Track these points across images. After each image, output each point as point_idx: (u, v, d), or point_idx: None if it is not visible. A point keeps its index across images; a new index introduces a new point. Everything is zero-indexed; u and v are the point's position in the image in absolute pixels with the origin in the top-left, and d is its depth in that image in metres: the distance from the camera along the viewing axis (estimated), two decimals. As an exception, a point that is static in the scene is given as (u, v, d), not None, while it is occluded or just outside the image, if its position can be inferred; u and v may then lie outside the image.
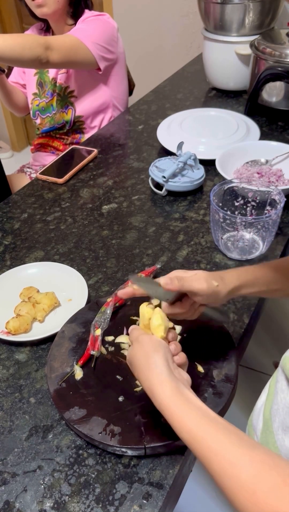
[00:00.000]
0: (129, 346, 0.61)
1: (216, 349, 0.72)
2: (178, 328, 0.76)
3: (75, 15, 1.46)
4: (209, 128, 1.32)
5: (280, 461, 0.42)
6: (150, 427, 0.62)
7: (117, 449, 0.62)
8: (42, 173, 1.26)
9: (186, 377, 0.57)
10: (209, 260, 0.94)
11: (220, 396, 0.65)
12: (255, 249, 0.94)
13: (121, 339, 0.76)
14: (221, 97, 1.61)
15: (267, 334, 1.74)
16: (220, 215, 0.87)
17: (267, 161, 1.14)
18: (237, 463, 0.42)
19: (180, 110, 1.48)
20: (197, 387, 0.67)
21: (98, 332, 0.75)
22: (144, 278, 0.65)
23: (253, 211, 0.98)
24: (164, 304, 0.65)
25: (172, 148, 1.24)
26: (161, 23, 2.35)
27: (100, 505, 0.58)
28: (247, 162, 1.14)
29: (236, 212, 0.98)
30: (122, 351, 0.74)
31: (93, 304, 0.82)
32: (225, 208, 0.95)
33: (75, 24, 1.46)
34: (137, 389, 0.68)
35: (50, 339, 0.79)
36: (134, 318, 0.79)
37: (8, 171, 1.53)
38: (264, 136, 1.32)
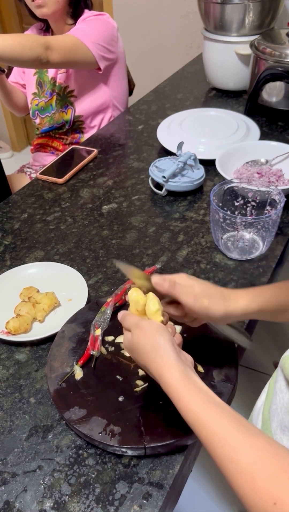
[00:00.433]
0: (125, 332, 0.60)
1: (216, 349, 0.72)
2: (178, 328, 0.76)
3: (75, 15, 1.46)
4: (209, 128, 1.32)
5: (281, 449, 0.43)
6: (150, 427, 0.62)
7: (117, 449, 0.62)
8: (42, 173, 1.26)
9: (190, 358, 0.56)
10: (209, 260, 0.94)
11: (220, 396, 0.65)
12: (255, 249, 0.94)
13: (121, 339, 0.76)
14: (221, 97, 1.61)
15: (267, 334, 1.74)
16: (220, 215, 0.87)
17: (267, 161, 1.14)
18: (239, 448, 0.43)
19: (180, 110, 1.48)
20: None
21: (98, 332, 0.75)
22: (135, 269, 0.63)
23: (253, 211, 0.98)
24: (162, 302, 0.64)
25: (172, 148, 1.24)
26: (160, 23, 2.35)
27: (100, 505, 0.58)
28: (247, 162, 1.14)
29: (236, 212, 0.98)
30: (122, 351, 0.74)
31: (93, 304, 0.82)
32: (225, 208, 0.95)
33: (75, 24, 1.46)
34: (137, 389, 0.68)
35: (50, 339, 0.79)
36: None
37: (8, 171, 1.53)
38: (264, 136, 1.32)
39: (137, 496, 0.59)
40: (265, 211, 0.95)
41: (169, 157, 1.19)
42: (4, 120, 3.12)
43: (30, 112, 1.64)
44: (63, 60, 1.32)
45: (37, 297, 0.85)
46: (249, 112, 1.44)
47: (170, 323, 0.60)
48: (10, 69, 1.69)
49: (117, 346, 0.75)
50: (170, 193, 1.14)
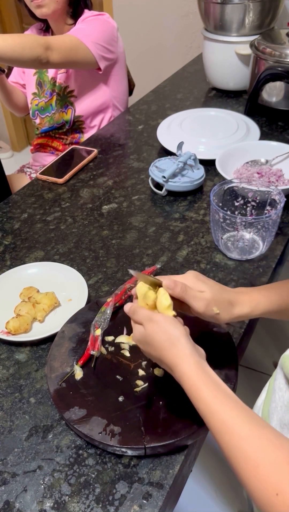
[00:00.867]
0: (134, 325, 0.60)
1: (216, 349, 0.72)
2: None
3: (75, 15, 1.46)
4: (209, 128, 1.32)
5: (286, 442, 0.44)
6: (150, 427, 0.62)
7: (117, 449, 0.62)
8: (42, 173, 1.26)
9: (202, 352, 0.57)
10: (209, 260, 0.94)
11: (220, 396, 0.65)
12: (255, 249, 0.94)
13: (121, 339, 0.76)
14: (221, 97, 1.61)
15: (267, 334, 1.74)
16: (220, 215, 0.87)
17: (267, 161, 1.14)
18: (246, 437, 0.45)
19: (180, 110, 1.48)
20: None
21: (98, 332, 0.75)
22: (147, 276, 0.63)
23: (253, 211, 0.98)
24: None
25: (172, 148, 1.24)
26: (160, 23, 2.35)
27: (100, 505, 0.58)
28: (247, 162, 1.14)
29: (236, 212, 0.98)
30: (122, 351, 0.74)
31: (93, 304, 0.82)
32: (225, 208, 0.95)
33: (74, 23, 1.46)
34: (137, 389, 0.68)
35: (50, 339, 0.79)
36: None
37: (8, 171, 1.53)
38: (264, 136, 1.32)
39: (137, 496, 0.59)
40: (265, 211, 0.95)
41: (169, 157, 1.19)
42: (4, 120, 3.12)
43: (30, 112, 1.64)
44: (63, 60, 1.32)
45: (37, 297, 0.85)
46: (249, 112, 1.44)
47: (178, 318, 0.60)
48: (10, 69, 1.69)
49: (117, 346, 0.75)
50: (170, 193, 1.14)
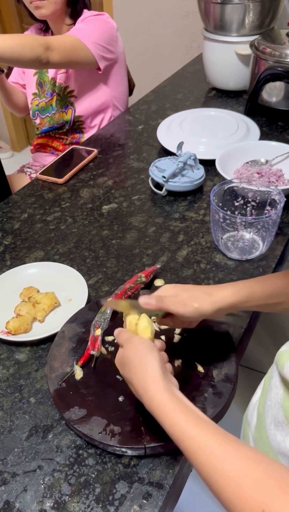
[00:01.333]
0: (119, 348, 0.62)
1: (216, 349, 0.72)
2: (177, 329, 0.76)
3: (74, 15, 1.46)
4: (209, 128, 1.32)
5: (265, 457, 0.44)
6: (150, 427, 0.62)
7: (117, 449, 0.62)
8: (42, 173, 1.26)
9: (175, 382, 0.57)
10: (209, 260, 0.94)
11: (220, 396, 0.65)
12: (255, 249, 0.94)
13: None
14: (221, 97, 1.61)
15: (267, 334, 1.74)
16: (220, 215, 0.87)
17: (267, 161, 1.14)
18: (224, 458, 0.44)
19: (180, 110, 1.48)
20: (197, 387, 0.67)
21: (98, 332, 0.75)
22: (123, 301, 0.66)
23: (253, 211, 0.98)
24: (156, 319, 0.66)
25: (172, 148, 1.24)
26: (161, 23, 2.35)
27: (100, 505, 0.58)
28: (247, 162, 1.14)
29: (236, 212, 0.98)
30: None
31: (93, 304, 0.82)
32: (225, 208, 0.95)
33: (74, 24, 1.46)
34: (137, 389, 0.68)
35: (50, 339, 0.79)
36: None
37: (8, 171, 1.53)
38: (264, 136, 1.32)
39: (137, 496, 0.59)
40: (265, 211, 0.95)
41: (169, 157, 1.19)
42: (4, 120, 3.12)
43: (30, 112, 1.64)
44: (63, 60, 1.32)
45: (37, 297, 0.85)
46: (249, 112, 1.44)
47: (159, 340, 0.61)
48: (10, 69, 1.69)
49: (117, 346, 0.74)
50: (170, 193, 1.14)
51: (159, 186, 1.15)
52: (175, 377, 0.57)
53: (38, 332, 0.81)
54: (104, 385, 0.69)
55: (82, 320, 0.79)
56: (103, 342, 0.75)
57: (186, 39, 2.34)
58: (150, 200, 1.14)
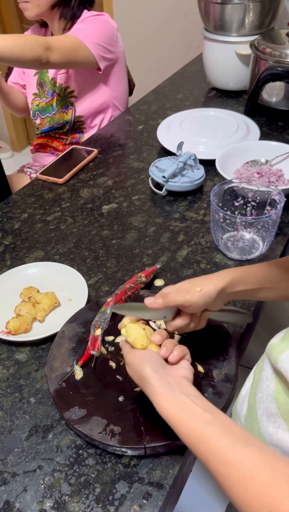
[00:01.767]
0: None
1: (216, 349, 0.72)
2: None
3: (68, 17, 1.46)
4: (209, 128, 1.32)
5: (271, 457, 0.45)
6: (150, 427, 0.62)
7: (117, 449, 0.62)
8: (42, 173, 1.26)
9: (183, 373, 0.57)
10: (209, 260, 0.94)
11: (220, 396, 0.65)
12: (255, 249, 0.94)
13: (122, 339, 0.75)
14: (221, 97, 1.61)
15: (267, 334, 1.74)
16: (220, 215, 0.87)
17: (267, 161, 1.14)
18: (230, 463, 0.45)
19: (180, 110, 1.48)
20: (197, 387, 0.66)
21: (98, 332, 0.75)
22: (128, 305, 0.66)
23: (253, 211, 0.98)
24: (166, 322, 0.66)
25: (172, 148, 1.24)
26: (160, 23, 2.35)
27: (100, 505, 0.58)
28: (247, 162, 1.14)
29: (236, 212, 0.98)
30: (122, 351, 0.74)
31: (93, 304, 0.82)
32: (225, 208, 0.95)
33: (72, 25, 1.46)
34: (137, 389, 0.68)
35: (50, 339, 0.79)
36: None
37: (8, 171, 1.53)
38: (264, 136, 1.32)
39: (137, 496, 0.59)
40: (265, 211, 0.95)
41: (169, 157, 1.19)
42: (4, 120, 3.12)
43: (31, 112, 1.64)
44: (63, 61, 1.32)
45: (37, 297, 0.85)
46: (249, 112, 1.44)
47: (167, 341, 0.60)
48: (10, 70, 1.69)
49: (117, 346, 0.75)
50: (170, 193, 1.14)
51: (159, 186, 1.15)
52: None
53: (38, 332, 0.81)
54: (104, 385, 0.69)
55: (82, 320, 0.79)
56: (103, 342, 0.75)
57: (186, 39, 2.34)
58: (150, 200, 1.14)
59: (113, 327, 0.77)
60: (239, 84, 1.57)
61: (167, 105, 1.57)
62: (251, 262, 0.93)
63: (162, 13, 2.31)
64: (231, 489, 0.44)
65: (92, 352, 0.72)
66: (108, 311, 0.78)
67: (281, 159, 1.15)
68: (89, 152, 1.33)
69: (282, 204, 0.87)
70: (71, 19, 1.46)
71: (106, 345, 0.75)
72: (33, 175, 1.69)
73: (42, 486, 0.61)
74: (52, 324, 0.83)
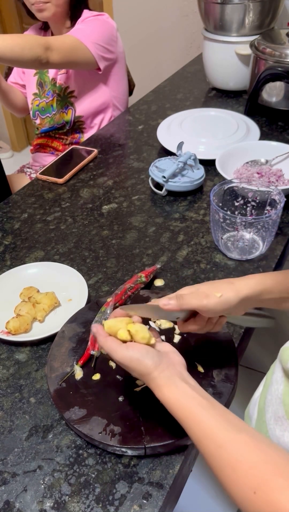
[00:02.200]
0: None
1: (216, 349, 0.72)
2: (177, 329, 0.76)
3: (74, 17, 1.46)
4: (209, 128, 1.32)
5: (263, 443, 0.46)
6: (150, 427, 0.62)
7: (117, 449, 0.62)
8: (42, 173, 1.26)
9: (179, 360, 0.57)
10: (209, 260, 0.94)
11: (220, 396, 0.65)
12: (255, 249, 0.94)
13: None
14: (221, 97, 1.61)
15: (267, 334, 1.74)
16: (220, 215, 0.88)
17: (267, 161, 1.14)
18: (222, 445, 0.47)
19: (180, 110, 1.48)
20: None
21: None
22: (142, 305, 0.63)
23: (253, 211, 0.98)
24: (178, 322, 0.64)
25: (172, 148, 1.24)
26: (161, 23, 2.35)
27: (100, 505, 0.58)
28: (247, 162, 1.14)
29: (236, 212, 0.98)
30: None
31: (93, 304, 0.82)
32: (225, 208, 0.95)
33: (73, 25, 1.47)
34: (137, 389, 0.68)
35: (50, 339, 0.79)
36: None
37: (8, 171, 1.53)
38: (264, 136, 1.32)
39: (137, 496, 0.59)
40: (265, 211, 0.95)
41: (169, 157, 1.19)
42: (4, 120, 3.12)
43: (31, 112, 1.64)
44: (63, 61, 1.32)
45: (37, 297, 0.85)
46: (249, 112, 1.44)
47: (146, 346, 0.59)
48: (10, 70, 1.69)
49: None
50: (170, 193, 1.14)
51: (159, 186, 1.15)
52: None
53: (38, 332, 0.81)
54: (104, 385, 0.69)
55: (82, 320, 0.79)
56: (103, 342, 0.75)
57: (186, 39, 2.34)
58: (150, 200, 1.14)
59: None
60: (239, 84, 1.57)
61: (167, 105, 1.57)
62: (251, 262, 0.93)
63: (161, 13, 2.31)
64: (221, 470, 0.46)
65: (92, 352, 0.72)
66: (108, 311, 0.78)
67: (281, 159, 1.15)
68: (89, 152, 1.33)
69: (282, 204, 0.87)
70: (76, 19, 1.46)
71: (106, 345, 0.75)
72: (33, 175, 1.69)
73: (42, 486, 0.61)
74: (52, 324, 0.83)
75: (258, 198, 0.96)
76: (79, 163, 1.28)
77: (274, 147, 1.16)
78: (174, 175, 1.12)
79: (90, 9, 1.49)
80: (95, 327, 0.60)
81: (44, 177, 1.24)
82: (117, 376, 0.70)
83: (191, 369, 0.69)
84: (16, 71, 1.65)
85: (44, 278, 0.91)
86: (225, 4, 1.43)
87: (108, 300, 0.80)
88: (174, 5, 2.26)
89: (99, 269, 0.94)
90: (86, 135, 1.58)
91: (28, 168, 1.74)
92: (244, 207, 0.98)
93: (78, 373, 0.70)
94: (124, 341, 0.58)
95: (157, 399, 0.65)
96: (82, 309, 0.81)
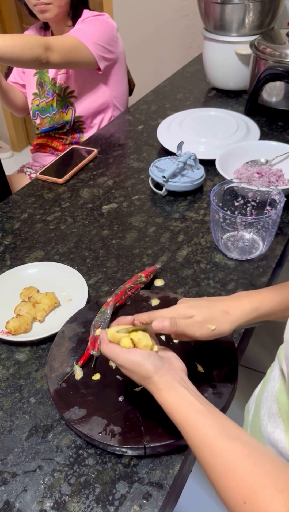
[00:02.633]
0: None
1: (216, 349, 0.72)
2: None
3: (75, 17, 1.46)
4: (209, 128, 1.32)
5: (255, 451, 0.47)
6: (150, 427, 0.62)
7: (117, 449, 0.62)
8: (42, 173, 1.26)
9: (179, 365, 0.58)
10: (209, 260, 0.94)
11: (220, 396, 0.65)
12: (255, 249, 0.94)
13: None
14: (221, 97, 1.61)
15: (267, 334, 1.74)
16: (220, 215, 0.87)
17: (267, 161, 1.14)
18: (215, 453, 0.48)
19: (180, 110, 1.48)
20: (197, 387, 0.66)
21: (98, 332, 0.75)
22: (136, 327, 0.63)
23: (253, 211, 0.98)
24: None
25: (172, 148, 1.24)
26: (161, 23, 2.35)
27: (100, 505, 0.58)
28: (247, 162, 1.14)
29: (236, 212, 0.98)
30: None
31: (93, 304, 0.82)
32: (225, 208, 0.95)
33: (74, 25, 1.47)
34: (137, 389, 0.68)
35: (50, 339, 0.79)
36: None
37: (8, 171, 1.53)
38: (264, 136, 1.32)
39: (137, 496, 0.59)
40: (265, 211, 0.95)
41: (169, 157, 1.19)
42: (4, 120, 3.12)
43: (31, 112, 1.64)
44: (63, 61, 1.32)
45: (37, 297, 0.85)
46: (249, 112, 1.44)
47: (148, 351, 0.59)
48: (10, 70, 1.69)
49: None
50: (170, 193, 1.14)
51: (159, 186, 1.15)
52: None
53: (38, 332, 0.81)
54: (104, 385, 0.69)
55: (82, 320, 0.79)
56: (103, 342, 0.75)
57: (186, 39, 2.33)
58: (150, 200, 1.14)
59: (113, 327, 0.77)
60: (239, 84, 1.57)
61: (167, 105, 1.57)
62: (251, 262, 0.93)
63: (161, 13, 2.31)
64: (215, 478, 0.47)
65: (92, 352, 0.72)
66: (108, 311, 0.78)
67: (281, 159, 1.15)
68: (89, 152, 1.33)
69: (282, 204, 0.87)
70: (74, 19, 1.46)
71: (106, 345, 0.75)
72: (33, 175, 1.69)
73: (42, 486, 0.61)
74: (52, 324, 0.83)
75: (258, 198, 0.96)
76: (79, 163, 1.28)
77: (274, 147, 1.16)
78: (174, 175, 1.12)
79: (90, 9, 1.49)
80: (101, 333, 0.61)
81: (44, 177, 1.24)
82: (117, 376, 0.70)
83: (191, 369, 0.69)
84: (16, 70, 1.65)
85: (44, 278, 0.91)
86: (225, 4, 1.43)
87: (108, 300, 0.80)
88: (174, 5, 2.26)
89: (99, 269, 0.94)
90: (86, 135, 1.58)
91: (28, 168, 1.74)
92: (244, 207, 0.98)
93: (78, 373, 0.70)
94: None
95: (157, 400, 0.65)
96: (82, 309, 0.81)
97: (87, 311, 0.81)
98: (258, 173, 1.07)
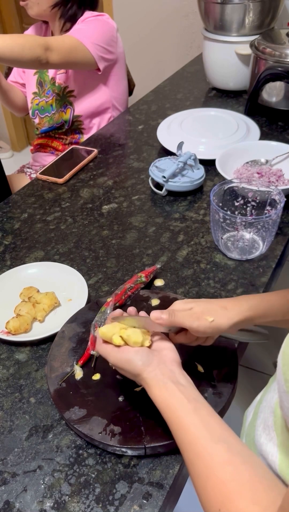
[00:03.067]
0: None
1: (216, 349, 0.72)
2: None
3: (69, 17, 1.46)
4: (209, 128, 1.32)
5: (236, 457, 0.46)
6: (150, 427, 0.62)
7: (117, 449, 0.62)
8: (42, 173, 1.26)
9: (172, 357, 0.58)
10: (209, 260, 0.94)
11: (220, 396, 0.65)
12: (255, 249, 0.94)
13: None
14: (221, 97, 1.61)
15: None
16: (220, 215, 0.87)
17: (267, 161, 1.14)
18: (199, 454, 0.48)
19: (180, 110, 1.48)
20: (197, 387, 0.66)
21: (98, 332, 0.75)
22: (135, 317, 0.63)
23: (253, 211, 0.98)
24: (170, 334, 0.64)
25: (172, 148, 1.24)
26: (161, 23, 2.35)
27: (100, 505, 0.58)
28: (247, 162, 1.14)
29: (236, 212, 0.98)
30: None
31: (93, 304, 0.82)
32: (225, 208, 0.95)
33: (72, 25, 1.46)
34: (137, 389, 0.68)
35: (50, 339, 0.79)
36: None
37: (8, 171, 1.53)
38: (264, 136, 1.32)
39: (137, 496, 0.59)
40: (265, 211, 0.95)
41: (169, 157, 1.19)
42: (4, 120, 3.12)
43: (30, 111, 1.64)
44: (63, 61, 1.32)
45: (37, 297, 0.85)
46: (249, 112, 1.44)
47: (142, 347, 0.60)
48: (9, 69, 1.69)
49: (117, 346, 0.74)
50: (170, 193, 1.14)
51: (159, 186, 1.15)
52: None
53: (38, 332, 0.81)
54: (104, 385, 0.69)
55: (82, 320, 0.79)
56: (103, 342, 0.75)
57: (186, 39, 2.33)
58: (150, 200, 1.14)
59: (113, 327, 0.77)
60: (239, 84, 1.57)
61: (167, 105, 1.57)
62: (251, 262, 0.93)
63: (161, 13, 2.31)
64: (196, 479, 0.47)
65: (92, 352, 0.72)
66: (108, 311, 0.78)
67: (281, 159, 1.15)
68: (89, 152, 1.33)
69: (282, 204, 0.87)
70: (71, 19, 1.46)
71: (106, 345, 0.75)
72: (33, 175, 1.69)
73: (42, 486, 0.61)
74: (52, 324, 0.83)
75: (258, 198, 0.96)
76: (79, 163, 1.28)
77: (274, 147, 1.16)
78: (174, 175, 1.12)
79: (94, 9, 1.49)
80: (97, 333, 0.62)
81: (44, 177, 1.24)
82: (117, 376, 0.70)
83: (191, 369, 0.69)
84: (16, 70, 1.65)
85: (44, 278, 0.91)
86: (225, 4, 1.43)
87: (108, 300, 0.80)
88: (173, 5, 2.26)
89: (99, 269, 0.94)
90: (86, 135, 1.58)
91: (28, 168, 1.74)
92: (244, 207, 0.98)
93: (78, 373, 0.70)
94: (119, 347, 0.59)
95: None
96: (82, 309, 0.81)
97: (87, 311, 0.81)
98: (258, 173, 1.07)
